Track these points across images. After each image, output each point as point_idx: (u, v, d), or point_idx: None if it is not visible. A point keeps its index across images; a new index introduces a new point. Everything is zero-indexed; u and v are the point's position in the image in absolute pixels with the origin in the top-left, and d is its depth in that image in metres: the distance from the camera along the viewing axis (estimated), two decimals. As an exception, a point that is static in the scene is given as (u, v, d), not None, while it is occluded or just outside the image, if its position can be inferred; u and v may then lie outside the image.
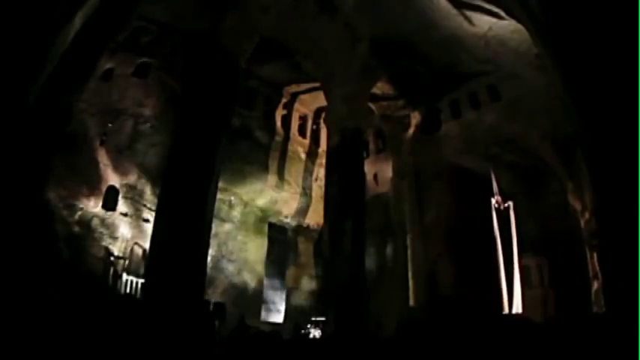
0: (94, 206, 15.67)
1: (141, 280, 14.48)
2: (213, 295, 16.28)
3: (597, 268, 13.84)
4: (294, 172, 21.50)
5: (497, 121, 18.10)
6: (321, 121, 22.05)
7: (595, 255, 14.10)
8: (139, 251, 16.21)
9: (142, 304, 10.86)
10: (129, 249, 16.12)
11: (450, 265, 18.87)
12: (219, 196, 14.70)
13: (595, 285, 14.13)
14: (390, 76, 19.28)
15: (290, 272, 21.69)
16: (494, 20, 14.26)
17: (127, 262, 15.74)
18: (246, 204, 20.21)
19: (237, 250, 19.64)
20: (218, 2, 14.46)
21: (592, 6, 6.67)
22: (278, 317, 20.24)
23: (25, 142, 7.10)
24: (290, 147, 21.43)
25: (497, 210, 16.92)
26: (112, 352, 4.62)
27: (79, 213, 15.26)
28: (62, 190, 14.78)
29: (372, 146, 23.14)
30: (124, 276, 15.15)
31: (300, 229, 22.48)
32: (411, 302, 18.71)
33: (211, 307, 12.02)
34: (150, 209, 16.35)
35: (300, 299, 21.17)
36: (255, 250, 20.32)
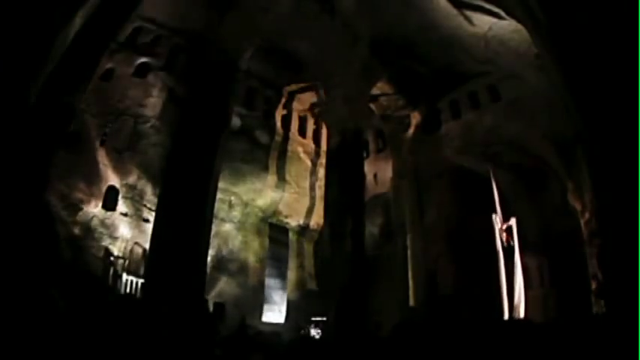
0: (94, 206, 15.68)
1: (141, 280, 14.49)
2: (213, 295, 16.27)
3: (597, 268, 13.84)
4: (294, 172, 21.50)
5: (497, 122, 18.08)
6: (320, 120, 22.06)
7: (595, 255, 14.09)
8: (138, 251, 16.22)
9: (142, 304, 10.85)
10: (129, 249, 16.12)
11: (450, 265, 18.86)
12: (219, 196, 14.72)
13: (595, 285, 14.11)
14: (390, 76, 19.28)
15: (290, 272, 21.69)
16: (494, 20, 14.26)
17: (126, 262, 15.75)
18: (246, 204, 20.21)
19: (237, 250, 19.64)
20: (218, 3, 14.47)
21: (592, 6, 6.67)
22: (279, 317, 20.23)
23: (26, 142, 7.10)
24: (290, 147, 21.43)
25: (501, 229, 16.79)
26: (112, 352, 4.62)
27: (79, 213, 15.27)
28: (62, 190, 14.79)
29: (372, 146, 23.14)
30: (124, 276, 15.16)
31: (301, 229, 22.48)
32: (411, 302, 18.70)
33: (211, 307, 12.03)
34: (150, 209, 16.34)
35: (300, 299, 21.16)
36: (255, 250, 20.33)
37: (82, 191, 15.39)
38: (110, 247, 15.71)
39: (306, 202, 21.99)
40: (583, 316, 13.01)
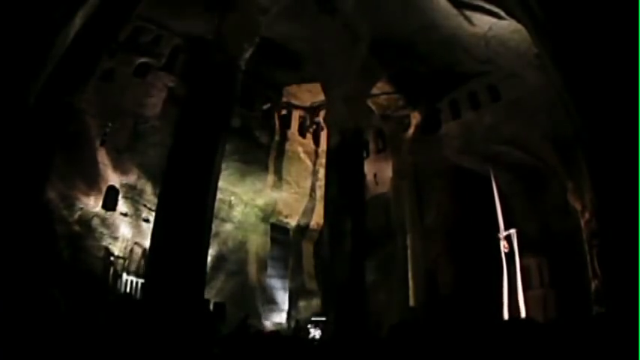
0: (94, 206, 15.68)
1: (141, 280, 14.49)
2: (214, 295, 16.27)
3: (597, 268, 13.84)
4: (294, 172, 21.50)
5: (497, 121, 18.09)
6: (321, 120, 22.07)
7: (595, 255, 14.09)
8: (138, 251, 16.22)
9: (142, 304, 10.85)
10: (129, 249, 16.13)
11: (449, 265, 18.87)
12: (219, 196, 14.70)
13: (595, 285, 14.11)
14: (390, 76, 19.28)
15: (291, 272, 21.69)
16: (494, 20, 14.27)
17: (127, 262, 15.75)
18: (246, 204, 20.22)
19: (237, 250, 19.64)
20: (218, 3, 14.47)
21: (592, 6, 6.67)
22: (279, 317, 20.23)
23: (26, 142, 7.10)
24: (290, 147, 21.44)
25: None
26: (112, 352, 4.62)
27: (79, 213, 15.27)
28: (62, 190, 14.79)
29: (372, 146, 23.14)
30: (124, 276, 15.17)
31: (301, 229, 22.49)
32: (411, 302, 18.71)
33: (211, 307, 12.02)
34: (150, 209, 16.35)
35: (300, 299, 21.16)
36: (255, 250, 20.33)
37: (82, 191, 15.40)
38: (110, 246, 15.71)
39: (306, 202, 22.01)
40: (583, 316, 13.01)
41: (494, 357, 4.67)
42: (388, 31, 16.47)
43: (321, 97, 19.98)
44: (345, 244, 15.71)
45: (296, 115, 22.07)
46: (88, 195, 15.54)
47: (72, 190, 15.14)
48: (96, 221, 15.65)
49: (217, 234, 17.83)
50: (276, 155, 20.83)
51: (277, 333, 7.92)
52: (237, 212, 19.94)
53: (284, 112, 21.66)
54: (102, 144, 16.06)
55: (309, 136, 22.63)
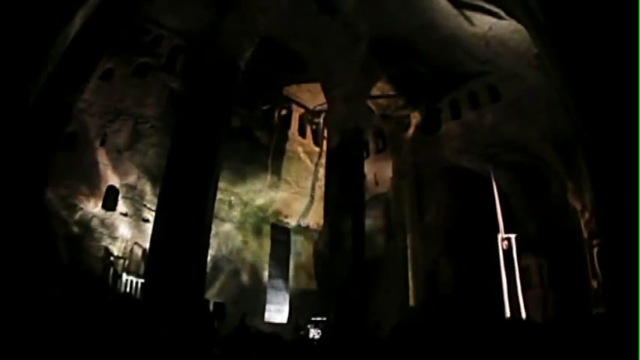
0: (93, 206, 15.68)
1: (141, 280, 14.49)
2: (214, 295, 16.27)
3: (597, 268, 13.84)
4: (294, 172, 21.50)
5: (497, 122, 18.09)
6: (321, 120, 22.07)
7: (595, 255, 14.09)
8: (138, 251, 16.22)
9: (142, 304, 10.85)
10: (129, 249, 16.13)
11: (449, 265, 18.85)
12: (219, 196, 14.71)
13: (595, 285, 14.12)
14: (390, 76, 19.28)
15: (291, 272, 21.69)
16: (494, 20, 14.26)
17: (126, 262, 15.75)
18: (246, 204, 20.21)
19: (237, 250, 19.64)
20: (218, 3, 14.47)
21: (592, 6, 6.66)
22: (280, 317, 20.23)
23: (25, 142, 7.10)
24: (290, 147, 21.43)
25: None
26: (112, 351, 4.61)
27: (79, 213, 15.27)
28: (62, 190, 14.79)
29: (372, 146, 23.13)
30: (124, 276, 15.16)
31: (301, 229, 22.48)
32: (411, 302, 18.70)
33: (211, 307, 12.02)
34: (150, 209, 16.35)
35: (300, 299, 21.15)
36: (255, 249, 20.33)
37: (81, 191, 15.40)
38: (110, 247, 15.71)
39: (306, 202, 22.00)
40: (583, 316, 13.01)
41: (494, 357, 4.68)
42: (388, 31, 16.47)
43: (322, 98, 19.96)
44: (345, 244, 15.71)
45: (296, 115, 22.07)
46: (87, 195, 15.54)
47: (71, 190, 15.13)
48: (96, 221, 15.65)
49: (217, 234, 17.83)
50: (276, 155, 20.82)
51: (277, 333, 7.92)
52: (237, 212, 19.94)
53: (284, 112, 21.65)
54: (102, 144, 16.06)
55: (309, 136, 22.63)
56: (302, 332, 15.05)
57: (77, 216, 15.20)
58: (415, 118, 21.27)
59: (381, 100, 20.79)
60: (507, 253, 16.59)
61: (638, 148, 5.48)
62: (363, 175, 18.70)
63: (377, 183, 22.29)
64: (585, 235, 14.79)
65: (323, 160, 20.96)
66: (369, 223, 17.46)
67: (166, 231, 11.65)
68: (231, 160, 17.06)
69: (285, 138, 21.30)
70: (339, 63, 17.75)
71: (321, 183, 20.97)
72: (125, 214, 16.45)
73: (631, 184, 5.53)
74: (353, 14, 16.11)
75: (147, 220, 16.41)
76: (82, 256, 14.73)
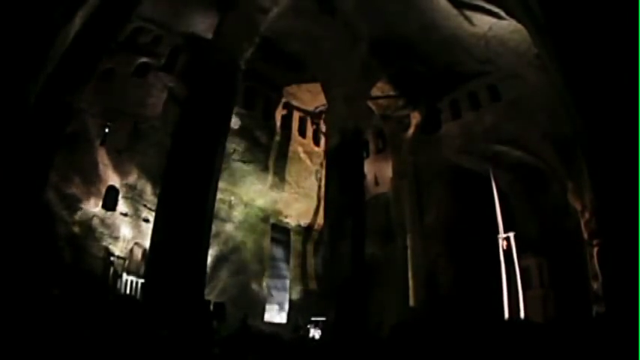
0: (94, 206, 15.68)
1: (141, 280, 14.48)
2: (214, 295, 16.27)
3: (597, 268, 13.84)
4: (294, 172, 21.50)
5: (497, 121, 18.09)
6: (321, 121, 22.07)
7: (595, 255, 14.09)
8: (138, 251, 16.22)
9: (142, 304, 10.85)
10: (129, 249, 16.13)
11: (449, 265, 18.85)
12: (219, 196, 14.70)
13: (595, 285, 14.12)
14: (390, 76, 19.28)
15: (291, 272, 21.69)
16: (494, 20, 14.27)
17: (127, 262, 15.75)
18: (246, 204, 20.21)
19: (237, 250, 19.63)
20: (218, 3, 14.47)
21: (592, 6, 6.67)
22: (280, 317, 20.23)
23: (26, 142, 7.10)
24: (290, 147, 21.43)
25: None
26: (112, 351, 4.62)
27: (79, 213, 15.27)
28: (62, 190, 14.79)
29: (372, 146, 23.15)
30: (124, 276, 15.16)
31: (301, 229, 22.48)
32: (411, 302, 18.71)
33: (211, 307, 12.01)
34: (150, 209, 16.35)
35: (300, 299, 21.16)
36: (255, 250, 20.32)
37: (82, 191, 15.39)
38: (110, 247, 15.71)
39: (306, 202, 22.00)
40: (583, 316, 13.01)
41: (494, 357, 4.68)
42: (388, 31, 16.47)
43: (322, 99, 19.97)
44: (345, 244, 15.71)
45: (296, 115, 22.08)
46: (88, 195, 15.54)
47: (72, 190, 15.13)
48: (96, 221, 15.64)
49: (218, 234, 17.82)
50: (276, 155, 20.83)
51: (277, 333, 7.93)
52: (238, 212, 19.93)
53: (284, 112, 21.65)
54: (102, 144, 16.07)
55: (309, 136, 22.63)
56: (302, 332, 15.02)
57: (77, 216, 15.19)
58: (415, 118, 21.27)
59: (381, 100, 20.79)
60: (507, 253, 16.60)
61: (638, 148, 5.48)
62: (363, 175, 18.71)
63: (377, 183, 22.29)
64: (585, 235, 14.79)
65: (323, 160, 20.98)
66: (369, 223, 17.45)
67: (166, 231, 11.64)
68: (231, 160, 17.08)
69: (285, 138, 21.30)
70: (339, 63, 17.76)
71: (321, 183, 20.98)
72: (125, 214, 16.45)
73: (631, 184, 5.53)
74: (353, 14, 16.11)
75: (147, 220, 16.41)
76: (82, 256, 14.73)
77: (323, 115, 21.48)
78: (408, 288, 19.09)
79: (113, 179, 16.31)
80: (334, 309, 14.83)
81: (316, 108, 21.90)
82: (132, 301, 11.44)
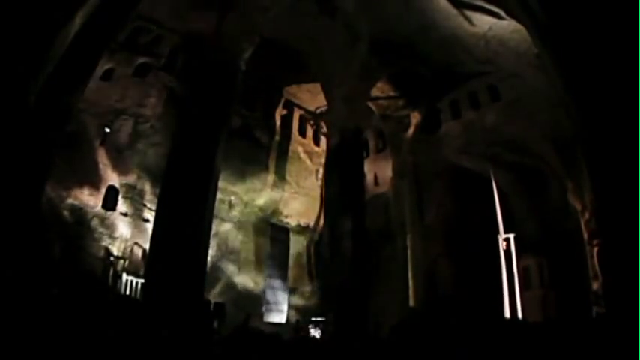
0: (93, 206, 15.68)
1: (141, 280, 14.48)
2: (214, 295, 16.27)
3: (597, 268, 13.84)
4: (294, 172, 21.50)
5: (497, 121, 18.10)
6: (321, 121, 22.06)
7: (595, 255, 14.09)
8: (138, 251, 16.22)
9: (142, 304, 10.85)
10: (129, 249, 16.13)
11: (449, 265, 18.87)
12: (219, 196, 14.70)
13: (595, 285, 14.12)
14: (390, 76, 19.29)
15: (291, 272, 21.69)
16: (494, 20, 14.27)
17: (126, 262, 15.75)
18: (246, 204, 20.21)
19: (237, 250, 19.64)
20: (218, 3, 14.46)
21: (592, 6, 6.66)
22: (280, 317, 20.23)
23: (25, 142, 7.09)
24: (290, 147, 21.44)
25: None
26: (112, 351, 4.62)
27: (79, 213, 15.26)
28: (62, 190, 14.79)
29: (372, 146, 23.16)
30: (124, 276, 15.16)
31: (301, 229, 22.48)
32: (411, 302, 18.71)
33: (211, 307, 12.02)
34: (150, 209, 16.35)
35: (300, 299, 21.16)
36: (255, 249, 20.32)
37: (81, 191, 15.39)
38: (110, 247, 15.71)
39: (306, 202, 22.00)
40: (583, 316, 13.01)
41: (494, 357, 4.68)
42: (388, 31, 16.47)
43: (322, 99, 19.97)
44: (345, 244, 15.71)
45: (296, 115, 22.08)
46: (87, 195, 15.54)
47: (72, 190, 15.13)
48: (96, 221, 15.64)
49: (217, 234, 17.82)
50: (277, 155, 20.84)
51: (277, 333, 7.92)
52: (237, 212, 19.93)
53: (284, 112, 21.66)
54: (102, 144, 16.07)
55: (309, 136, 22.64)
56: (302, 332, 15.03)
57: (77, 216, 15.19)
58: (415, 118, 21.28)
59: (381, 101, 20.80)
60: (507, 253, 16.60)
61: (638, 148, 5.48)
62: (363, 175, 18.71)
63: (377, 183, 22.30)
64: (585, 235, 14.80)
65: (323, 160, 20.99)
66: (369, 223, 17.45)
67: (166, 231, 11.64)
68: (231, 160, 17.06)
69: (285, 138, 21.30)
70: (339, 63, 17.75)
71: (321, 183, 20.99)
72: (125, 214, 16.45)
73: (631, 184, 5.53)
74: (353, 14, 16.11)
75: (147, 220, 16.41)
76: (82, 255, 14.73)
77: (323, 115, 21.48)
78: (408, 288, 19.09)
79: (113, 179, 16.31)
80: (334, 309, 14.83)
81: (316, 108, 21.92)
82: (132, 301, 11.43)
